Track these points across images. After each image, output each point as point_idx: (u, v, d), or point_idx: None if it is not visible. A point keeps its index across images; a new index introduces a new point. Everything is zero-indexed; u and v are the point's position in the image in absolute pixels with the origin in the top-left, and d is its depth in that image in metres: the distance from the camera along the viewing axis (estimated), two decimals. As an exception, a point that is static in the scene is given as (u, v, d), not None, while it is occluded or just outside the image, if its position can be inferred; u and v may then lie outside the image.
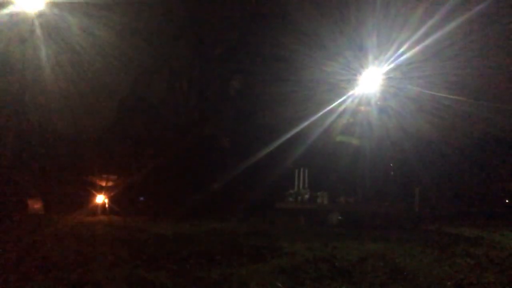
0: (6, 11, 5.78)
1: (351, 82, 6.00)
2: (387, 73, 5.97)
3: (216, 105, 6.19)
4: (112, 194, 4.89)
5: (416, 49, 5.74)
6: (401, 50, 5.81)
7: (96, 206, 4.87)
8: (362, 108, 5.73)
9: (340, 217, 4.69)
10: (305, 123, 6.10)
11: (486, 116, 6.14)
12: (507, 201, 6.47)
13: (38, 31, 6.71)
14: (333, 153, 5.89)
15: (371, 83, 5.96)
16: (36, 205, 4.81)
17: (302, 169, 5.05)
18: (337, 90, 6.07)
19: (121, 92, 6.39)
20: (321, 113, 5.96)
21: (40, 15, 6.32)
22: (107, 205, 4.75)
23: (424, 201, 5.73)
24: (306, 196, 4.88)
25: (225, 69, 8.10)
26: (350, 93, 5.90)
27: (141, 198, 5.79)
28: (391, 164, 6.40)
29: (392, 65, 5.91)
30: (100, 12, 7.30)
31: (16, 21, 6.13)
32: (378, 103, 5.77)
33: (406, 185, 6.04)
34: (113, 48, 7.88)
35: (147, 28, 8.09)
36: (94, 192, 4.81)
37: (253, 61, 7.93)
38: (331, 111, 5.93)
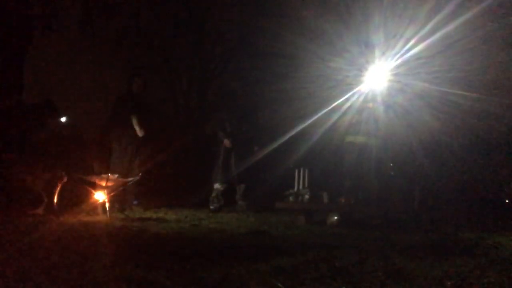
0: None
1: (356, 78, 5.84)
2: (394, 69, 5.81)
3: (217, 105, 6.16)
4: (112, 193, 4.88)
5: (424, 44, 5.57)
6: (409, 45, 5.66)
7: (97, 206, 4.86)
8: (370, 105, 5.57)
9: (340, 217, 4.69)
10: (308, 121, 5.96)
11: (496, 112, 5.99)
12: (507, 201, 6.44)
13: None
14: (335, 152, 5.78)
15: (378, 79, 5.78)
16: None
17: (302, 169, 5.04)
18: (342, 86, 5.91)
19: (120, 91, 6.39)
20: (324, 110, 5.81)
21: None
22: (107, 205, 4.74)
23: (425, 201, 5.71)
24: (306, 196, 4.88)
25: (225, 69, 8.10)
26: (356, 89, 5.73)
27: (135, 202, 5.74)
28: (391, 164, 6.34)
29: (399, 61, 5.75)
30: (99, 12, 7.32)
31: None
32: (385, 99, 5.58)
33: (408, 184, 5.98)
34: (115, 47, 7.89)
35: (147, 28, 8.10)
36: (94, 191, 4.81)
37: (254, 58, 7.90)
38: (336, 109, 5.77)
